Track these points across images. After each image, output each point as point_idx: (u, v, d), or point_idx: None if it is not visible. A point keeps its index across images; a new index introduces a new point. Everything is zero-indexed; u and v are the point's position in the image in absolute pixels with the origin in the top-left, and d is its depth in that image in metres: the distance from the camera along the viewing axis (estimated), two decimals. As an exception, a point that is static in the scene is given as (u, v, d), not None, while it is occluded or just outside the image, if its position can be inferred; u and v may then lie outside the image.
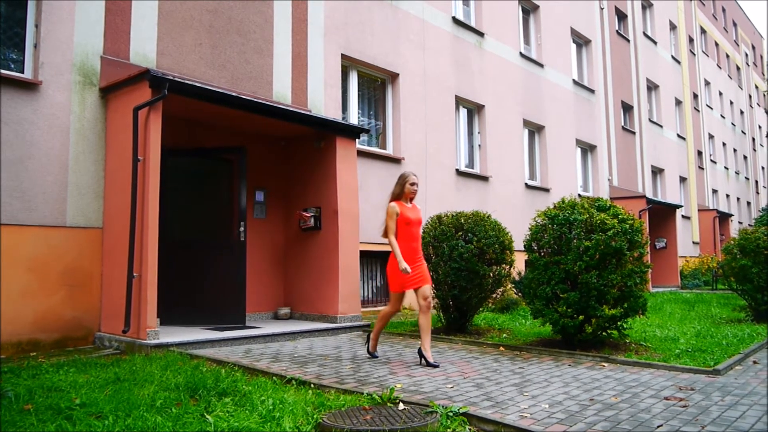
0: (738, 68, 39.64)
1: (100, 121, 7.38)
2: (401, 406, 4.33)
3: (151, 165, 6.70)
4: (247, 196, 8.89)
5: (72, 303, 6.95)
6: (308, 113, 9.06)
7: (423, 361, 6.01)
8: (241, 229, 8.61)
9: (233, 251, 8.59)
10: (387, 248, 10.93)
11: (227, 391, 4.58)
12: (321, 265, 8.81)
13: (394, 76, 11.57)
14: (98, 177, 7.30)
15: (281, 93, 9.36)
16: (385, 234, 6.22)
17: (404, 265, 5.91)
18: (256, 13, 9.14)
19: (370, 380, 5.23)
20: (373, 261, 10.84)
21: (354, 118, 10.89)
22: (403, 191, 6.30)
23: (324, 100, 10.01)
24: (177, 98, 6.99)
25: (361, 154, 10.23)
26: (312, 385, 4.99)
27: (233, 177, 8.87)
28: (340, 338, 8.00)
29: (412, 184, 6.30)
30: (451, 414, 4.10)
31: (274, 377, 5.28)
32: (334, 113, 10.03)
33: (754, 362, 6.29)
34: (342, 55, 10.44)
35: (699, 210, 27.44)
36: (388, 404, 4.38)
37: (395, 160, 11.21)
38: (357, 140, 9.37)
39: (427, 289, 6.12)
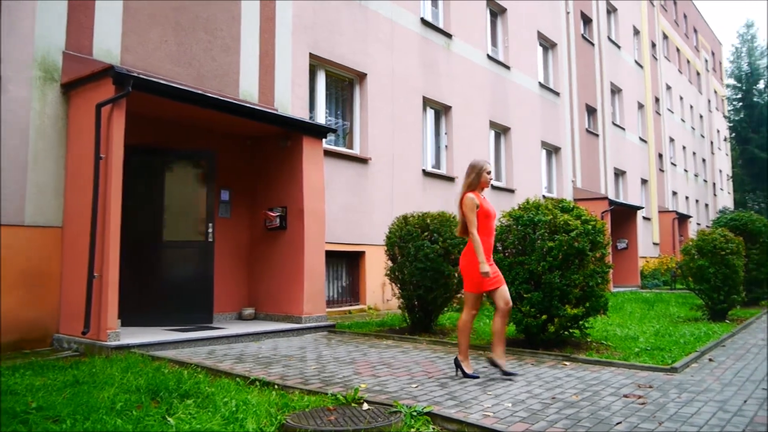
0: (698, 74, 40.59)
1: (61, 118, 7.22)
2: (365, 406, 4.34)
3: (113, 163, 6.59)
4: (215, 194, 8.83)
5: (30, 304, 6.79)
6: (275, 112, 9.01)
7: (499, 371, 5.51)
8: (210, 230, 8.55)
9: (201, 252, 8.53)
10: (353, 248, 11.00)
11: (189, 392, 4.54)
12: (286, 265, 8.77)
13: (362, 76, 11.57)
14: (59, 175, 7.15)
15: (248, 91, 9.29)
16: (463, 231, 5.61)
17: (486, 267, 5.31)
18: (223, 11, 9.06)
19: (335, 380, 5.23)
20: (339, 261, 10.84)
21: (321, 117, 10.86)
22: (479, 181, 5.62)
23: (291, 99, 9.97)
24: (141, 95, 6.89)
25: (328, 153, 10.20)
26: (276, 386, 4.96)
27: (200, 177, 8.78)
28: (305, 339, 7.97)
29: (489, 173, 5.67)
30: (415, 413, 4.12)
31: (237, 378, 5.24)
32: (301, 112, 9.99)
33: (710, 360, 6.45)
34: (310, 54, 10.40)
35: (659, 211, 28.02)
36: (353, 404, 4.39)
37: (362, 160, 11.22)
38: (324, 140, 9.35)
39: (506, 290, 5.54)
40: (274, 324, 8.51)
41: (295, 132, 8.84)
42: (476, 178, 5.61)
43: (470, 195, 5.53)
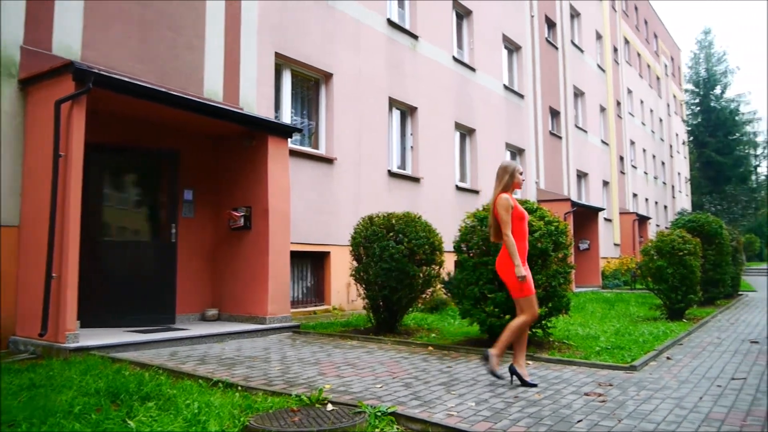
0: (658, 78, 41.49)
1: (18, 115, 7.05)
2: (330, 406, 4.33)
3: (73, 161, 6.46)
4: (178, 193, 8.73)
5: (-15, 304, 6.61)
6: (240, 111, 8.92)
7: (515, 379, 5.28)
8: (172, 230, 8.45)
9: (163, 252, 8.42)
10: (318, 249, 10.97)
11: (151, 395, 4.47)
12: (250, 265, 8.70)
13: (328, 76, 11.54)
14: (16, 173, 6.97)
15: (212, 90, 9.19)
16: (496, 235, 5.44)
17: (523, 271, 5.16)
18: (188, 8, 8.94)
19: (299, 381, 5.21)
20: (304, 261, 10.79)
21: (287, 117, 10.80)
22: (512, 182, 5.45)
23: (256, 98, 9.89)
24: (103, 92, 6.76)
25: (294, 153, 10.16)
26: (239, 388, 4.92)
27: (163, 177, 8.68)
28: (269, 339, 7.92)
29: (521, 173, 5.55)
30: (379, 414, 4.13)
31: (200, 380, 5.18)
32: (266, 112, 9.92)
33: (668, 358, 6.60)
34: (276, 53, 10.33)
35: (620, 213, 28.56)
36: (317, 405, 4.38)
37: (328, 160, 11.19)
38: (289, 139, 9.30)
39: (535, 298, 5.41)
40: (238, 325, 8.44)
41: (261, 131, 8.77)
42: (510, 179, 5.46)
43: (505, 195, 5.36)
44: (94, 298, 7.56)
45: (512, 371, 5.24)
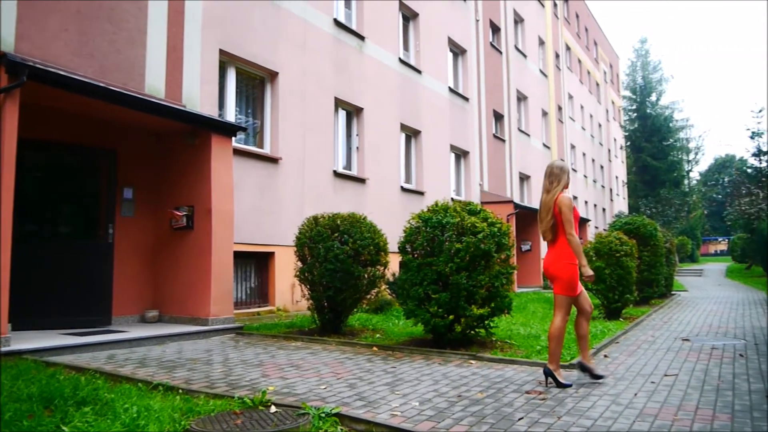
0: (597, 84, 42.72)
1: (-55, 108, 6.72)
2: (273, 408, 4.30)
3: (6, 158, 6.20)
4: (116, 192, 8.50)
5: None
6: (182, 108, 8.75)
7: (588, 374, 5.42)
8: (110, 231, 8.23)
9: (99, 253, 8.19)
10: (262, 249, 10.85)
11: (87, 399, 4.33)
12: (193, 266, 8.54)
13: (273, 75, 11.44)
14: (-58, 168, 6.64)
15: (154, 86, 8.97)
16: (552, 233, 5.46)
17: (590, 270, 5.29)
18: (130, 2, 8.70)
19: (242, 383, 5.14)
20: (248, 262, 10.66)
21: (231, 115, 10.65)
22: (568, 181, 5.54)
23: (200, 95, 9.71)
24: (38, 86, 6.52)
25: (238, 152, 10.02)
26: (180, 391, 4.82)
27: (101, 175, 8.44)
28: (211, 341, 7.79)
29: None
30: (323, 415, 4.12)
31: (139, 383, 5.05)
32: (210, 110, 9.75)
33: (605, 356, 6.80)
34: (220, 50, 10.17)
35: (561, 215, 29.18)
36: (260, 407, 4.33)
37: (273, 160, 11.08)
38: (234, 138, 9.18)
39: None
40: (180, 326, 8.27)
41: (204, 129, 8.63)
42: (567, 179, 5.52)
43: (568, 195, 5.39)
44: (26, 300, 7.27)
45: (547, 373, 5.29)
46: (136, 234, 8.80)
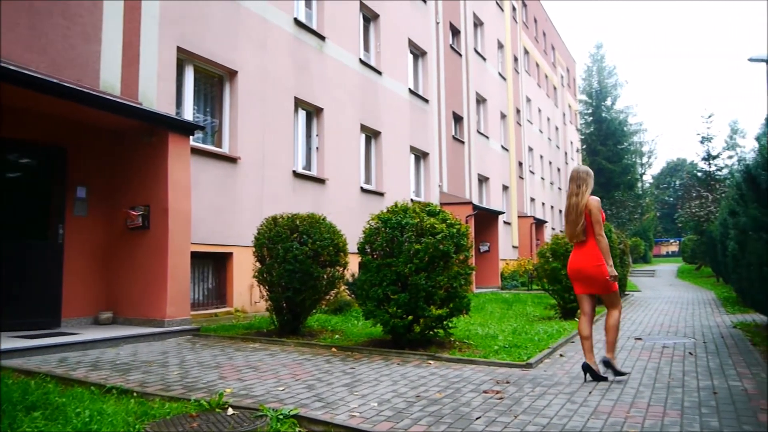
0: (555, 88, 43.45)
1: None
2: (230, 411, 4.25)
3: (-49, 154, 6.00)
4: (66, 191, 8.29)
5: None
6: (138, 106, 8.58)
7: (611, 373, 5.60)
8: (60, 231, 8.03)
9: (49, 254, 7.97)
10: (220, 249, 10.72)
11: (37, 404, 4.21)
12: (149, 266, 8.39)
13: (232, 74, 11.31)
14: None
15: (109, 83, 8.79)
16: (581, 235, 5.61)
17: (615, 271, 5.58)
18: (82, -4, 8.50)
19: (199, 386, 5.07)
20: (205, 262, 10.52)
21: (189, 114, 10.49)
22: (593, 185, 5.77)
23: (157, 93, 9.54)
24: (-15, 81, 6.32)
25: (196, 151, 9.88)
26: (135, 394, 4.74)
27: (52, 174, 8.21)
28: (167, 343, 7.66)
29: None
30: (281, 417, 4.09)
31: (92, 387, 4.94)
32: (167, 107, 9.59)
33: (561, 355, 6.92)
34: (178, 47, 10.01)
35: (518, 216, 29.65)
36: (217, 410, 4.28)
37: (231, 159, 10.96)
38: (191, 137, 9.05)
39: None
40: (135, 328, 8.12)
41: (161, 128, 8.48)
42: (593, 183, 5.75)
43: (597, 198, 5.63)
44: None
45: (586, 368, 5.50)
46: (90, 234, 8.60)
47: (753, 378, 5.58)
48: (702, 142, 33.36)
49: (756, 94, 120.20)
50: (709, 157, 33.06)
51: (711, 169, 32.74)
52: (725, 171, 32.37)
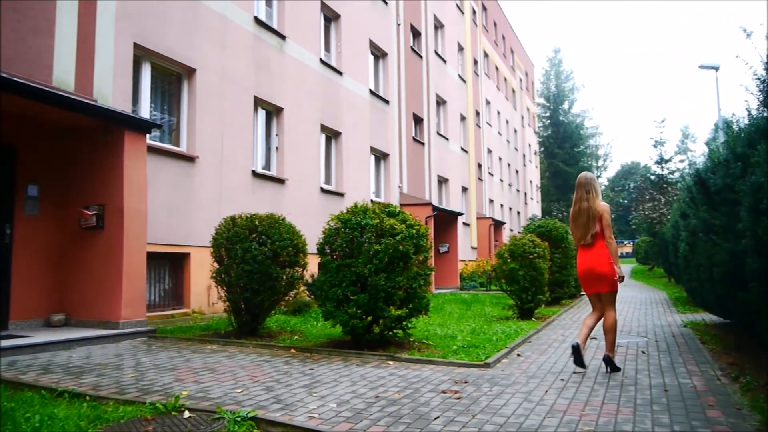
0: (513, 91, 44.02)
1: None
2: (187, 414, 4.19)
3: None
4: (16, 190, 8.05)
5: None
6: (93, 103, 8.39)
7: (608, 368, 5.98)
8: (7, 231, 7.79)
9: (-3, 252, 7.73)
10: (177, 250, 10.55)
11: (-16, 408, 4.09)
12: (103, 267, 8.21)
13: (190, 71, 11.15)
14: None
15: (63, 79, 8.57)
16: (589, 236, 5.98)
17: (622, 272, 5.96)
18: (35, -11, 8.27)
19: (154, 389, 4.99)
20: (162, 263, 10.34)
21: (146, 111, 10.30)
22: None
23: (113, 90, 9.34)
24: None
25: (152, 150, 9.72)
26: (88, 398, 4.63)
27: None
28: (122, 345, 7.51)
29: None
30: (239, 419, 4.04)
31: (42, 391, 4.81)
32: (123, 105, 9.40)
33: (518, 355, 7.00)
34: (135, 44, 9.82)
35: (477, 218, 29.95)
36: (173, 413, 4.21)
37: (189, 159, 10.80)
38: (148, 135, 8.88)
39: None
40: (88, 330, 7.93)
41: (116, 125, 8.30)
42: (599, 189, 6.15)
43: (607, 204, 6.05)
44: None
45: (608, 361, 5.94)
46: (41, 234, 8.37)
47: (702, 375, 5.74)
48: (655, 146, 34.19)
49: (706, 99, 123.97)
50: (661, 161, 33.88)
51: (663, 173, 33.56)
52: (677, 174, 33.21)
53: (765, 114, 5.22)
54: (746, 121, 6.23)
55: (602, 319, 6.07)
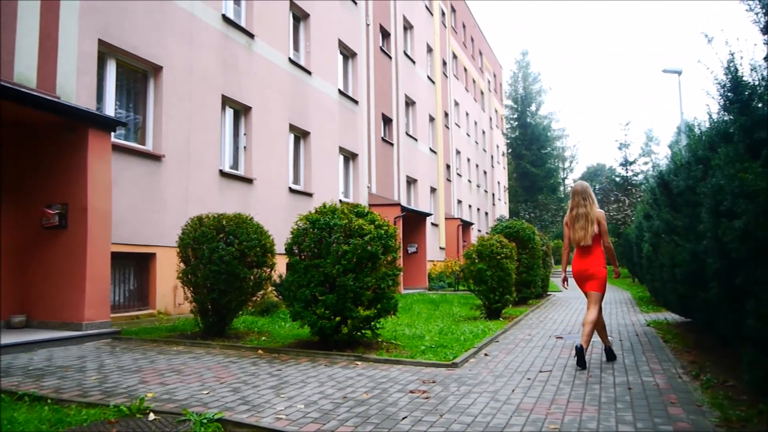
0: (482, 93, 44.35)
1: None
2: (152, 416, 4.14)
3: None
4: (-24, 188, 7.85)
5: None
6: (56, 100, 8.22)
7: (606, 356, 6.61)
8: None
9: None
10: (142, 250, 10.40)
11: (-59, 412, 3.98)
12: (66, 267, 8.04)
13: (157, 69, 11.00)
14: None
15: (24, 75, 8.38)
16: (589, 239, 6.51)
17: (619, 271, 6.84)
18: (-5, -17, 8.08)
19: (118, 391, 4.91)
20: (127, 263, 10.18)
21: (111, 109, 10.12)
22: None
23: (77, 87, 9.16)
24: None
25: (117, 148, 9.56)
26: (49, 401, 4.54)
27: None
28: (86, 347, 7.37)
29: None
30: (205, 421, 4.01)
31: (2, 394, 4.70)
32: (87, 102, 9.23)
33: (485, 355, 7.06)
34: (99, 40, 9.65)
35: (446, 218, 30.11)
36: (138, 415, 4.15)
37: (155, 157, 10.65)
38: (113, 133, 8.73)
39: None
40: (50, 332, 7.76)
41: (80, 123, 8.15)
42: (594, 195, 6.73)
43: (602, 210, 6.69)
44: None
45: (608, 350, 6.58)
46: (1, 233, 8.16)
47: (664, 373, 5.86)
48: (620, 149, 34.73)
49: (670, 103, 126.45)
50: (626, 163, 34.44)
51: (628, 175, 34.10)
52: (641, 176, 33.80)
53: (725, 118, 5.34)
54: (707, 125, 6.37)
55: (597, 314, 6.48)
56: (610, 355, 6.56)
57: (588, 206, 6.61)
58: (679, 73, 22.70)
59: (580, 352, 6.10)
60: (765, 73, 4.15)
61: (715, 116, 5.95)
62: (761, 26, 3.73)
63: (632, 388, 5.22)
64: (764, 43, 3.73)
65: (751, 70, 4.46)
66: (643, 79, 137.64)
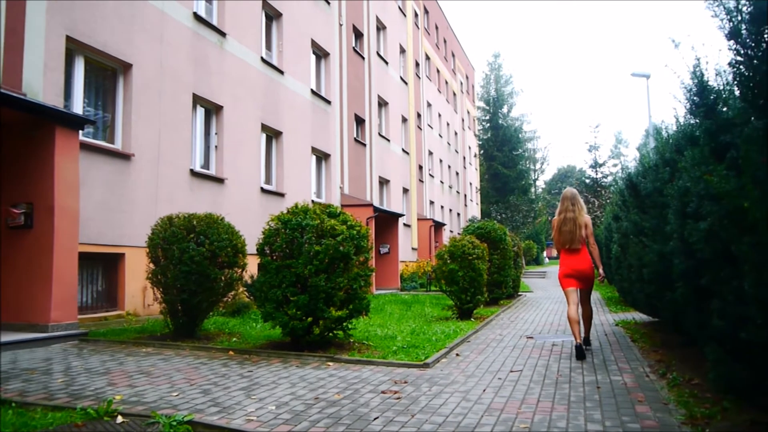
0: (454, 94, 44.58)
1: None
2: (120, 419, 4.08)
3: None
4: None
5: None
6: (22, 97, 8.05)
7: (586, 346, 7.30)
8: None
9: None
10: (110, 250, 10.25)
11: None
12: (31, 268, 7.89)
13: (126, 67, 10.84)
14: None
15: (-12, 71, 8.20)
16: (578, 242, 7.08)
17: (603, 272, 7.59)
18: (-41, -24, 7.89)
19: (86, 393, 4.83)
20: (95, 264, 10.02)
21: (79, 107, 9.95)
22: None
23: (43, 84, 8.98)
24: None
25: (86, 147, 9.40)
26: (14, 404, 4.45)
27: None
28: (52, 349, 7.24)
29: None
30: (174, 423, 3.96)
31: (-36, 397, 4.59)
32: (54, 100, 9.05)
33: (457, 355, 7.10)
34: (67, 36, 9.47)
35: (418, 219, 30.18)
36: (105, 418, 4.09)
37: (124, 156, 10.50)
38: (81, 132, 8.59)
39: None
40: (15, 334, 7.60)
41: (47, 121, 8.00)
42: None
43: (588, 216, 7.26)
44: None
45: (578, 348, 6.77)
46: (-36, 233, 7.98)
47: (632, 372, 5.95)
48: (590, 151, 35.34)
49: (638, 106, 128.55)
50: (596, 165, 35.01)
51: (597, 176, 34.65)
52: (610, 178, 34.34)
53: (692, 121, 5.45)
54: (674, 128, 6.49)
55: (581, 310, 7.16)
56: (580, 354, 6.68)
57: (576, 211, 7.14)
58: (648, 77, 23.08)
59: (579, 348, 6.66)
60: (729, 78, 4.24)
61: (681, 120, 6.06)
62: (726, 32, 3.82)
63: (601, 387, 5.30)
64: (729, 49, 3.82)
65: (716, 74, 4.56)
66: (613, 83, 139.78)
